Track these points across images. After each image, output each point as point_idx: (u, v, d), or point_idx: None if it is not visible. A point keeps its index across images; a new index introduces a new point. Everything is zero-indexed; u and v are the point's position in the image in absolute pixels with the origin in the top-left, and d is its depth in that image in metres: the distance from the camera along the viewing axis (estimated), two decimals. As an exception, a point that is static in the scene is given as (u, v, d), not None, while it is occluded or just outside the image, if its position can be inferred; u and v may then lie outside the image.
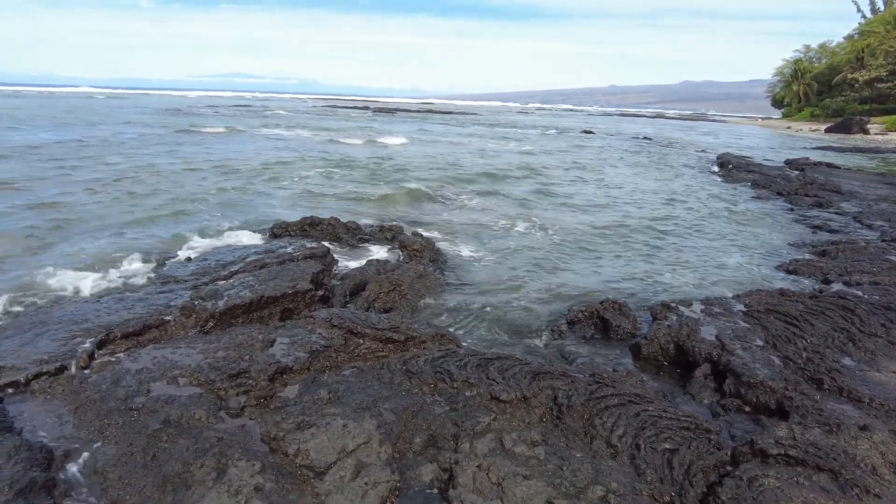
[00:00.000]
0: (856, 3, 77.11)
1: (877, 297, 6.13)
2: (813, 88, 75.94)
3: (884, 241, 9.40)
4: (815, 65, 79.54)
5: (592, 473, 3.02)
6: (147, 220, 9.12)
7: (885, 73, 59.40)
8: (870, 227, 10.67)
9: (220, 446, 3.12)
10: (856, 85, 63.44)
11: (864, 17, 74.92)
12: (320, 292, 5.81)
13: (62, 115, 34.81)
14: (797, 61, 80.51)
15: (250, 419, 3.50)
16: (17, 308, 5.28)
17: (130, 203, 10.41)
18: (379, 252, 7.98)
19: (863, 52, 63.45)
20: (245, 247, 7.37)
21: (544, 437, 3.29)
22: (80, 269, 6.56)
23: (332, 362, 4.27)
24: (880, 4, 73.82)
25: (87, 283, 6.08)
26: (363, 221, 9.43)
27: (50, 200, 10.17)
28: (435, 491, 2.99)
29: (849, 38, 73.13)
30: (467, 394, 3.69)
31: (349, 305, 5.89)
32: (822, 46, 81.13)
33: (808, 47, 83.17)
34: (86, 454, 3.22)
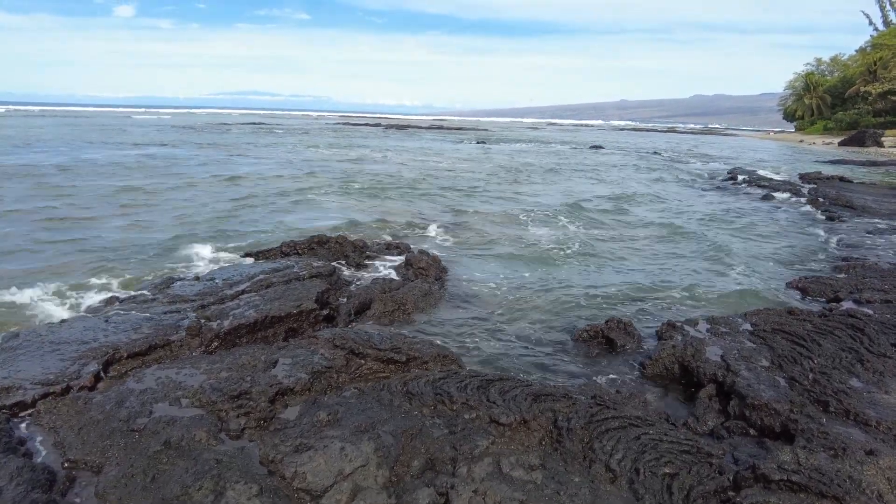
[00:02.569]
0: (867, 16, 76.88)
1: (888, 316, 6.03)
2: (826, 101, 75.42)
3: (896, 257, 9.27)
4: (828, 78, 79.08)
5: (590, 498, 2.99)
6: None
7: (898, 86, 58.89)
8: (883, 242, 10.53)
9: (219, 468, 3.14)
10: (869, 98, 62.94)
11: (876, 29, 74.56)
12: (325, 311, 5.85)
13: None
14: (809, 74, 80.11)
15: (250, 441, 3.52)
16: (26, 327, 5.37)
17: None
18: (385, 270, 8.02)
19: (875, 64, 63.03)
20: (253, 265, 7.45)
21: (543, 460, 3.27)
22: (89, 288, 6.68)
23: (334, 383, 4.29)
24: (892, 17, 73.50)
25: (96, 302, 6.19)
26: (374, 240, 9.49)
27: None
28: (432, 515, 2.98)
29: (861, 50, 72.70)
30: (467, 416, 3.68)
31: (353, 325, 5.92)
32: (834, 59, 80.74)
33: (819, 60, 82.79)
34: (87, 476, 3.26)
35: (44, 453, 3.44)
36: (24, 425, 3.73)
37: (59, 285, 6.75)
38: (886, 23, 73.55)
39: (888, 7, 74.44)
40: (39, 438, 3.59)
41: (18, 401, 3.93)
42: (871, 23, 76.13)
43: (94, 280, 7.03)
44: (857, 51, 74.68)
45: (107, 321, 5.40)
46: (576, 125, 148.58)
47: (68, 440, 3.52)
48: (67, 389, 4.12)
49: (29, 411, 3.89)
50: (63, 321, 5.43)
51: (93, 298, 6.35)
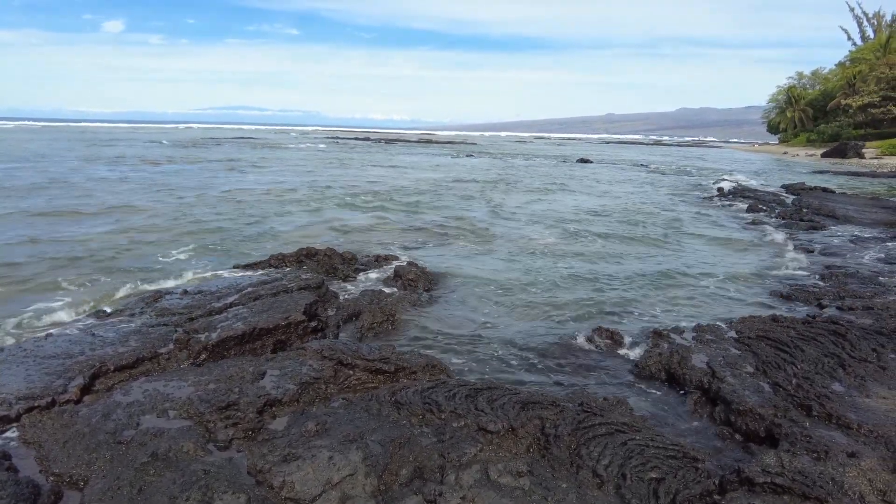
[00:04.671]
0: (846, 32, 78.76)
1: (869, 322, 6.14)
2: (808, 114, 76.92)
3: (878, 263, 9.44)
4: (809, 91, 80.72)
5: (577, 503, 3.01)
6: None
7: (877, 99, 60.28)
8: (864, 250, 10.72)
9: (207, 479, 3.13)
10: (850, 110, 64.32)
11: (854, 44, 76.42)
12: (313, 323, 5.85)
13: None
14: (791, 88, 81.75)
15: (238, 452, 3.51)
16: (13, 340, 5.32)
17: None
18: (374, 282, 8.04)
19: (854, 78, 64.53)
20: (242, 278, 7.43)
21: (530, 467, 3.29)
22: (76, 302, 6.63)
23: (322, 394, 4.29)
24: (870, 32, 75.37)
25: (83, 315, 6.14)
26: (361, 252, 9.52)
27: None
28: (420, 523, 2.98)
29: (840, 64, 74.43)
30: (455, 425, 3.69)
31: (342, 336, 5.92)
32: (815, 73, 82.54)
33: (801, 74, 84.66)
34: (72, 489, 3.23)
35: (28, 467, 3.41)
36: (8, 440, 3.69)
37: (46, 299, 6.69)
38: (864, 38, 75.43)
39: (865, 23, 76.41)
40: (24, 452, 3.56)
41: (2, 415, 3.89)
42: (849, 38, 78.07)
43: (81, 293, 6.98)
44: (836, 65, 76.48)
45: (93, 334, 5.37)
46: (563, 139, 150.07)
47: (53, 454, 3.49)
48: (53, 403, 4.09)
49: (13, 426, 3.85)
50: (49, 335, 5.38)
51: (80, 312, 6.31)
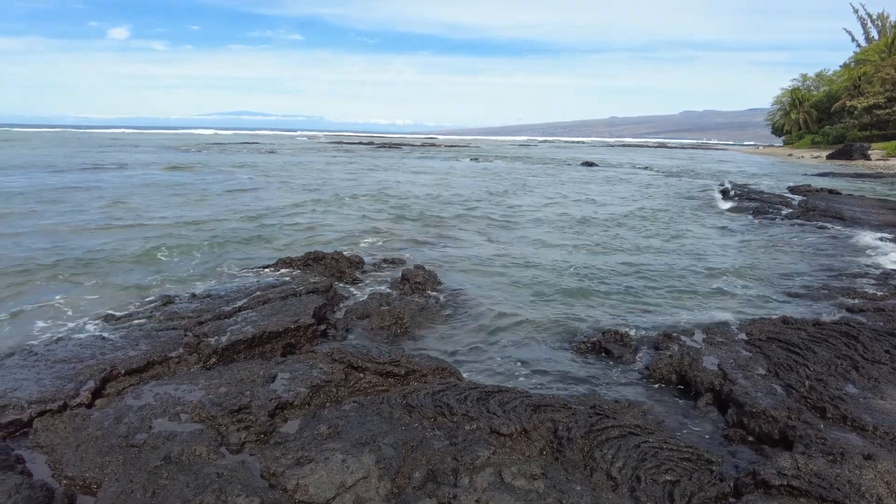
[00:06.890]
0: (850, 33, 78.60)
1: (881, 324, 6.10)
2: (812, 116, 76.67)
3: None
4: (813, 93, 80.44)
5: (592, 507, 2.99)
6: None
7: (882, 100, 60.01)
8: (872, 252, 10.66)
9: (220, 482, 3.12)
10: (855, 112, 64.05)
11: (858, 46, 76.21)
12: (322, 327, 5.85)
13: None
14: (794, 90, 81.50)
15: (250, 455, 3.51)
16: (24, 345, 5.33)
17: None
18: (382, 285, 8.03)
19: (860, 79, 64.28)
20: (250, 281, 7.44)
21: (544, 470, 3.27)
22: (87, 306, 6.65)
23: (333, 397, 4.28)
24: (874, 34, 75.16)
25: (94, 319, 6.16)
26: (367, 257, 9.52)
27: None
28: (434, 526, 2.97)
29: (845, 66, 74.16)
30: (467, 427, 3.68)
31: (351, 339, 5.92)
32: (819, 75, 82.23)
33: (805, 76, 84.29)
34: (85, 493, 3.23)
35: (41, 471, 3.41)
36: (21, 443, 3.70)
37: (56, 303, 6.72)
38: (869, 39, 75.21)
39: (869, 24, 76.23)
40: (37, 456, 3.56)
41: (15, 419, 3.90)
42: (853, 39, 77.84)
43: (91, 298, 7.00)
44: (841, 66, 76.19)
45: (104, 339, 5.38)
46: (567, 142, 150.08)
47: (66, 457, 3.49)
48: (65, 407, 4.10)
49: (26, 429, 3.86)
50: (60, 339, 5.41)
51: (90, 316, 6.32)
